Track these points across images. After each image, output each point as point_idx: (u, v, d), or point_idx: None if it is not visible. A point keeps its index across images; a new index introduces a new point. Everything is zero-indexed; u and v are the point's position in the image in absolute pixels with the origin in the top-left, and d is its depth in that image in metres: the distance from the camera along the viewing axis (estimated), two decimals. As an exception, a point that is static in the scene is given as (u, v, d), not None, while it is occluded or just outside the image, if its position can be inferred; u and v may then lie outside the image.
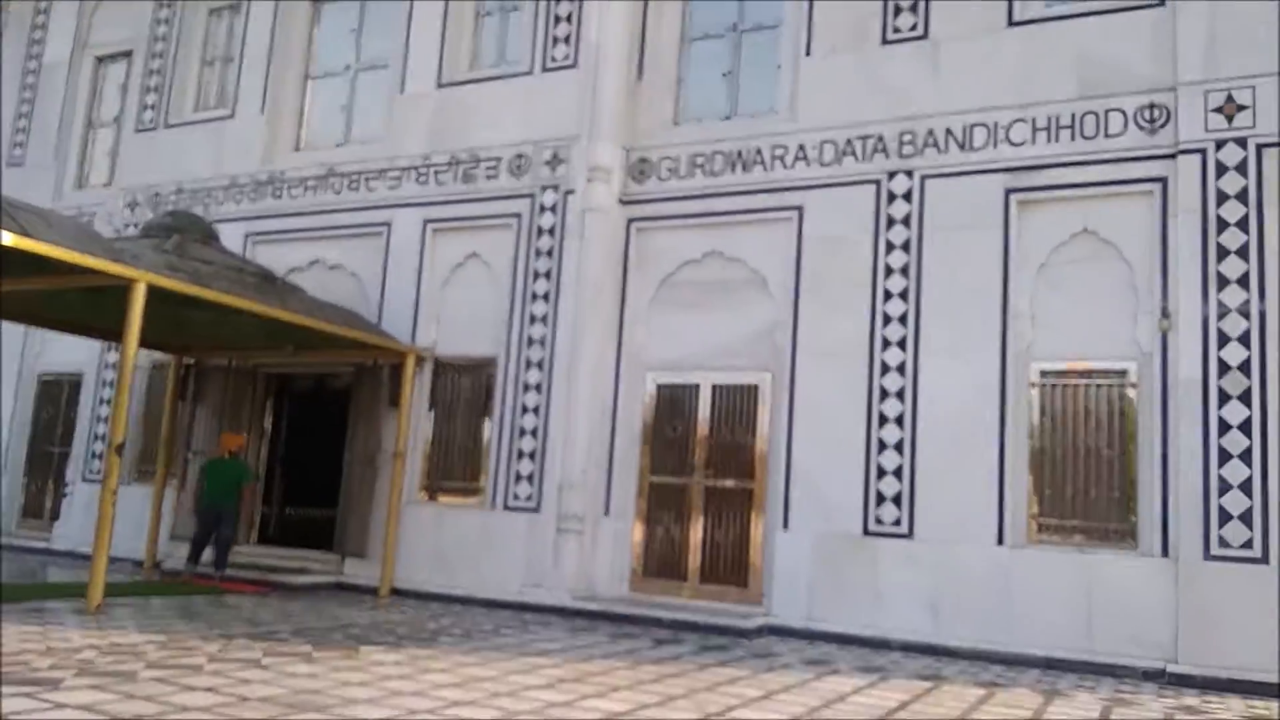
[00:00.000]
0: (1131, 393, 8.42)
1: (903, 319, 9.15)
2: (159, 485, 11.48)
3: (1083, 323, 8.59)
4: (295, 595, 9.82)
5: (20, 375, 14.46)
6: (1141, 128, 8.51)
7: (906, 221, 9.24)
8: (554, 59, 10.78)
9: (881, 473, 9.02)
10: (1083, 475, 8.52)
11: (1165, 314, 8.27)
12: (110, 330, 11.14)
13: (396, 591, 10.29)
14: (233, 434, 10.98)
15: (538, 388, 10.27)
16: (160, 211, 12.27)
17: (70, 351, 13.45)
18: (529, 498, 10.12)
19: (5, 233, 7.10)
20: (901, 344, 9.13)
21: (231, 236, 11.55)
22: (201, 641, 6.54)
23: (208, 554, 10.39)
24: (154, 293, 8.04)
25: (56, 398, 14.18)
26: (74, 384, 13.78)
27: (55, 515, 13.41)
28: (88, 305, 9.67)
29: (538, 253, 10.52)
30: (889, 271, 9.27)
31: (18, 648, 5.84)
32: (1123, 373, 8.46)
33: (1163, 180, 8.38)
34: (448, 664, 6.26)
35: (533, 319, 10.43)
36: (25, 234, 7.25)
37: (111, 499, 7.80)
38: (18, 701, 4.45)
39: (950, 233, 9.05)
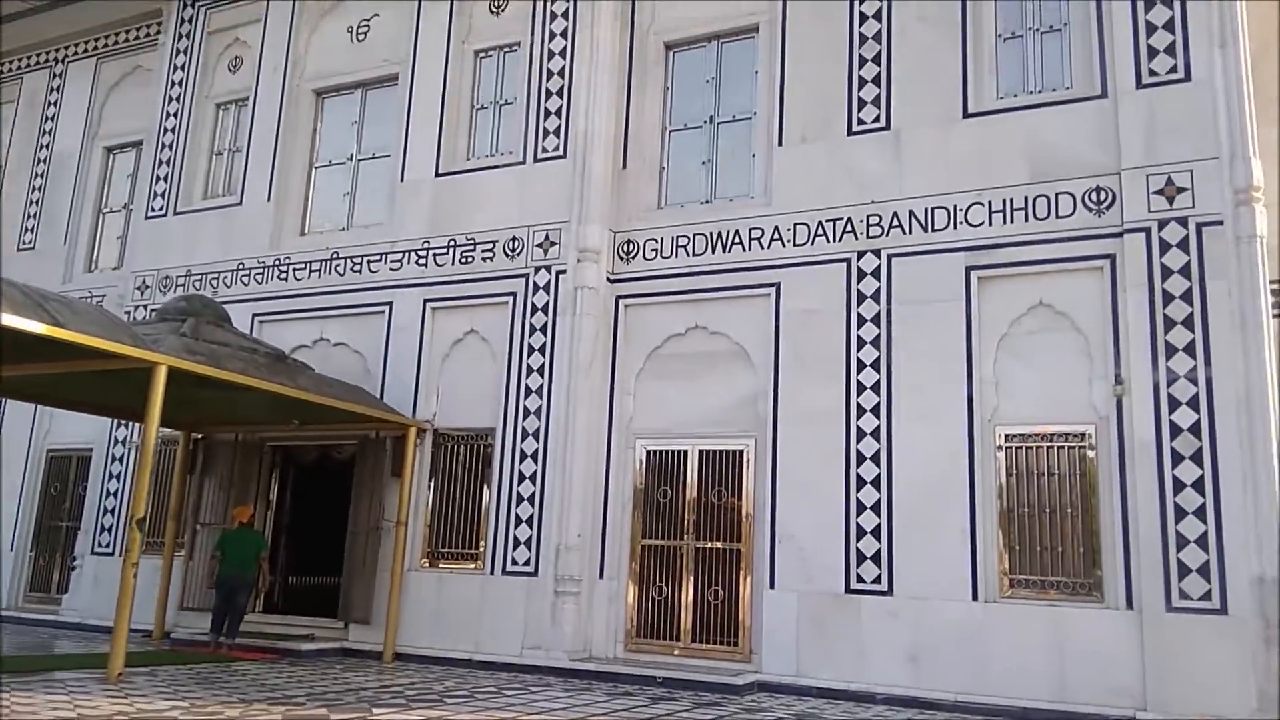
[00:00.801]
0: (1091, 454, 9.01)
1: (875, 387, 9.76)
2: (168, 557, 11.88)
3: (1043, 388, 9.21)
4: (303, 661, 10.21)
5: (29, 451, 14.88)
6: (1089, 209, 9.24)
7: (876, 297, 9.91)
8: (545, 149, 11.53)
9: (861, 533, 9.54)
10: (1049, 532, 9.05)
11: (1119, 380, 8.90)
12: (120, 408, 11.69)
13: (400, 656, 10.68)
14: (243, 506, 11.41)
15: (534, 456, 10.80)
16: (173, 295, 12.89)
17: (79, 428, 13.91)
18: (527, 562, 10.58)
19: (38, 322, 7.66)
20: (875, 410, 9.72)
21: (240, 317, 12.13)
22: (222, 707, 6.94)
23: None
24: (171, 373, 8.60)
25: (65, 473, 14.61)
26: (82, 459, 14.22)
27: (63, 588, 13.73)
28: (100, 385, 10.19)
29: (532, 328, 11.14)
30: (861, 343, 9.90)
31: (51, 716, 6.25)
32: (1082, 435, 9.06)
33: (1111, 256, 9.07)
34: (457, 722, 6.70)
35: (528, 391, 11.00)
36: (57, 323, 7.81)
37: (133, 571, 8.24)
38: (68, 762, 4.88)
39: (917, 306, 9.71)
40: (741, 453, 10.42)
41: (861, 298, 9.99)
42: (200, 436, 12.43)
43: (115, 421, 13.20)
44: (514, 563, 10.66)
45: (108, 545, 13.07)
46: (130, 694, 7.36)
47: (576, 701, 8.06)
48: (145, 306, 13.44)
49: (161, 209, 13.98)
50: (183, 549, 12.20)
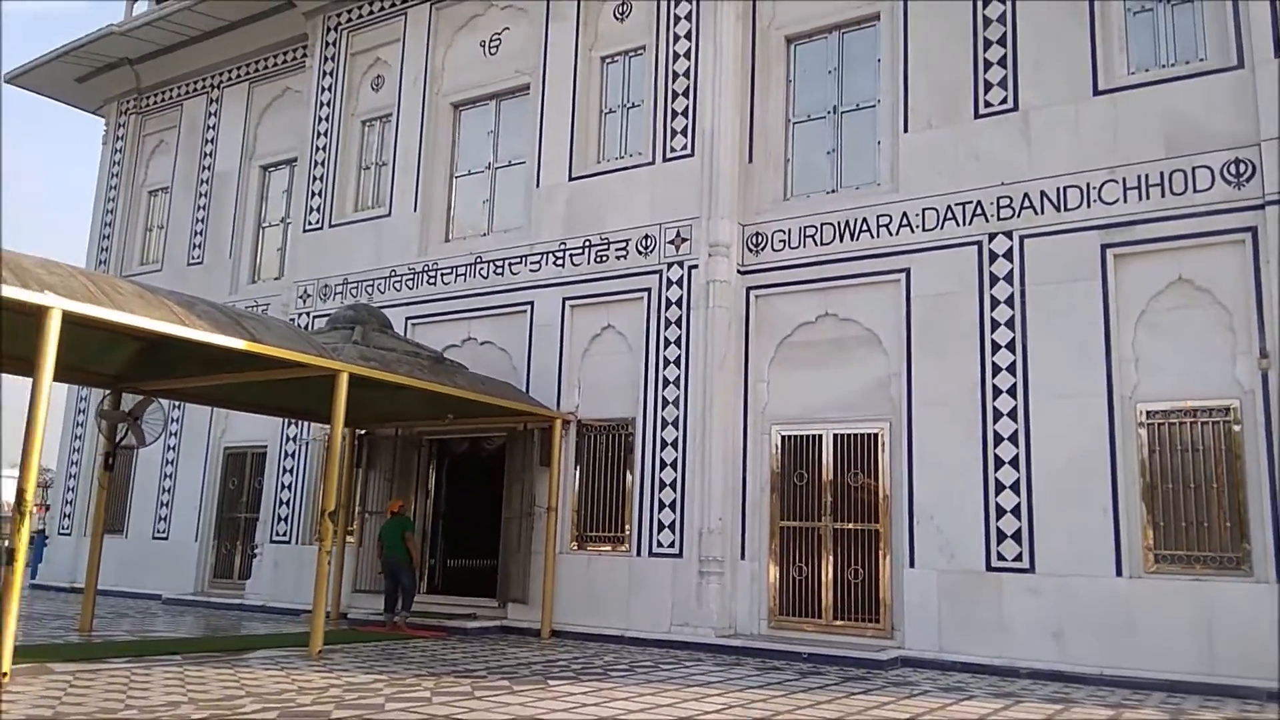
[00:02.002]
0: (1237, 428, 8.97)
1: (1011, 368, 9.90)
2: (340, 543, 12.92)
3: (1184, 364, 9.21)
4: (470, 638, 11.05)
5: (208, 449, 16.31)
6: (1229, 182, 9.15)
7: (1009, 278, 10.03)
8: (673, 149, 12.00)
9: (1000, 512, 9.73)
10: (1194, 508, 9.08)
11: (1264, 353, 8.83)
12: (293, 409, 12.75)
13: (556, 633, 11.43)
14: (395, 500, 12.44)
15: (674, 444, 11.34)
16: (332, 301, 13.96)
17: (253, 427, 15.20)
18: (671, 544, 11.15)
19: (239, 339, 8.59)
20: (1011, 391, 9.88)
21: (395, 320, 13.04)
22: (416, 680, 7.72)
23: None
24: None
25: (241, 468, 15.97)
26: (257, 455, 15.52)
27: (245, 574, 15.06)
28: (278, 390, 11.21)
29: (667, 322, 11.66)
30: (995, 325, 10.05)
31: (276, 688, 7.11)
32: (1226, 410, 9.03)
33: (1253, 229, 8.98)
34: (627, 694, 7.30)
35: (665, 382, 11.54)
36: (254, 339, 8.73)
37: (327, 559, 9.16)
38: (307, 726, 5.65)
39: (1052, 286, 9.80)
40: (876, 435, 10.72)
41: (994, 280, 10.12)
42: (364, 433, 13.45)
43: (286, 420, 14.35)
44: (659, 545, 11.25)
45: (284, 534, 14.28)
46: (333, 668, 8.23)
47: (730, 675, 8.59)
48: (308, 314, 14.56)
49: (317, 222, 15.08)
50: (352, 536, 13.27)
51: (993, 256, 10.16)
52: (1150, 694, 8.28)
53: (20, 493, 6.84)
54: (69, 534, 17.97)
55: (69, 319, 7.26)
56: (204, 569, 16.05)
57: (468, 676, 7.96)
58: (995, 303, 10.07)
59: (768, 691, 7.65)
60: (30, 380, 7.07)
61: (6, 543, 7.02)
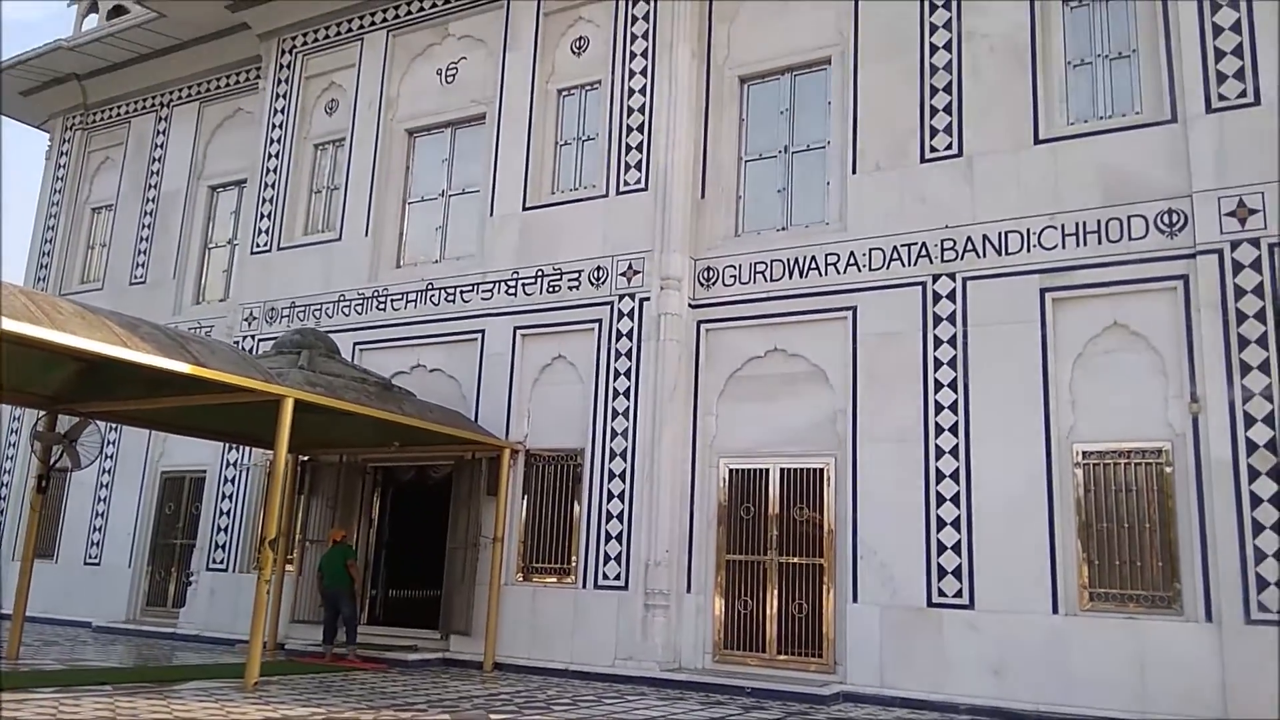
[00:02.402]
0: (1169, 469, 9.24)
1: (953, 407, 10.11)
2: (280, 572, 12.66)
3: (1119, 407, 9.48)
4: (411, 670, 10.89)
5: (144, 473, 15.92)
6: (1162, 231, 9.50)
7: (952, 319, 10.27)
8: (626, 182, 12.11)
9: (941, 548, 9.89)
10: (1128, 547, 9.31)
11: (1194, 398, 9.13)
12: (235, 433, 12.52)
13: (499, 666, 11.31)
14: (336, 529, 12.31)
15: (622, 475, 11.35)
16: (279, 325, 13.79)
17: (192, 451, 14.89)
18: (617, 576, 11.13)
19: (183, 363, 8.45)
20: (953, 429, 10.07)
21: (343, 345, 12.89)
22: (355, 713, 7.59)
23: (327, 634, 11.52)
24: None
25: (178, 493, 15.61)
26: (195, 479, 15.19)
27: (179, 602, 14.67)
28: (221, 414, 11.04)
29: (617, 353, 11.70)
30: (938, 364, 10.27)
31: None
32: (1159, 451, 9.30)
33: (1184, 277, 9.32)
34: (570, 728, 7.25)
35: (615, 413, 11.56)
36: (199, 363, 8.59)
37: (266, 588, 8.98)
38: (241, 760, 5.52)
39: (992, 328, 10.05)
40: (822, 470, 10.84)
41: (937, 320, 10.35)
42: (307, 459, 13.24)
43: (227, 445, 14.08)
44: (605, 577, 11.21)
45: (221, 562, 13.96)
46: (269, 701, 8.06)
47: (673, 710, 8.57)
48: (253, 337, 14.35)
49: (265, 244, 14.90)
50: (292, 564, 13.02)
51: (936, 297, 10.40)
52: (1084, 730, 8.43)
53: (-53, 517, 6.63)
54: (-6, 559, 17.37)
55: (6, 338, 7.09)
56: (137, 596, 15.62)
57: (408, 710, 7.85)
58: (939, 342, 10.29)
59: (710, 726, 7.66)
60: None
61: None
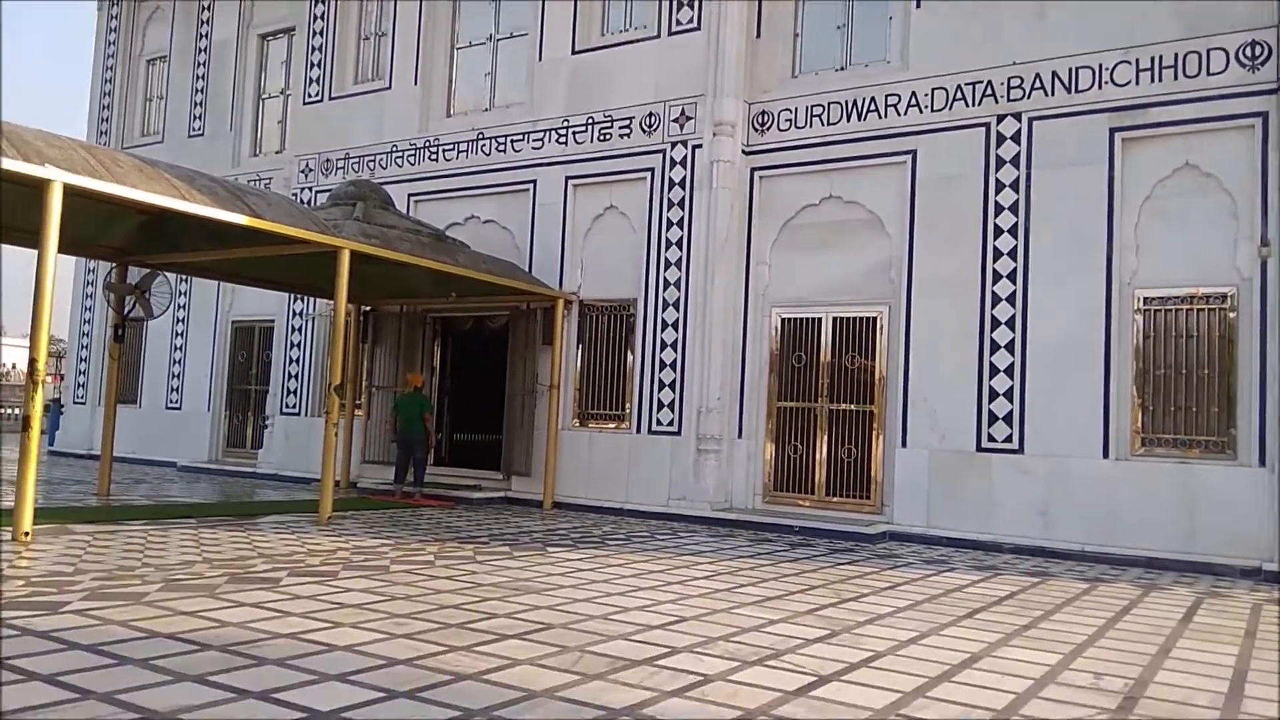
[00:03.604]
0: (1232, 315, 9.04)
1: (1012, 253, 9.91)
2: (349, 417, 13.22)
3: (1185, 251, 9.21)
4: (475, 508, 11.45)
5: (216, 323, 16.52)
6: (1243, 65, 8.94)
7: (1015, 161, 9.93)
8: (679, 22, 11.69)
9: (994, 394, 9.91)
10: (1184, 393, 9.23)
11: (1265, 241, 8.82)
12: (298, 284, 12.84)
13: (557, 505, 11.82)
14: (415, 374, 12.58)
15: (674, 325, 11.46)
16: (335, 177, 13.88)
17: (259, 302, 15.36)
18: (670, 423, 11.41)
19: (240, 215, 8.62)
20: (1011, 276, 9.91)
21: (397, 197, 13.00)
22: (421, 545, 8.06)
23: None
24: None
25: (249, 342, 16.21)
26: (265, 329, 15.73)
27: (257, 444, 15.47)
28: (282, 265, 11.30)
29: (670, 203, 11.61)
30: (999, 209, 10.00)
31: (288, 550, 7.44)
32: (1224, 297, 9.07)
33: (1264, 114, 8.84)
34: (622, 560, 7.63)
35: (668, 263, 11.57)
36: (256, 215, 8.75)
37: (334, 431, 9.41)
38: (313, 587, 5.93)
39: (1058, 170, 9.71)
40: (875, 319, 10.81)
41: (1000, 163, 10.02)
42: (369, 309, 13.58)
43: (291, 296, 14.48)
44: (658, 423, 11.50)
45: (294, 407, 14.60)
46: (343, 533, 8.59)
47: (722, 546, 8.93)
48: (310, 189, 14.49)
49: (317, 94, 14.84)
50: (360, 410, 13.57)
51: (1000, 139, 10.03)
52: (1128, 569, 8.60)
53: (32, 362, 7.02)
54: (84, 403, 18.41)
55: (70, 192, 7.29)
56: (217, 438, 16.48)
57: (471, 542, 8.30)
58: (1000, 186, 10.00)
59: (757, 560, 7.98)
60: (35, 252, 7.15)
61: (21, 410, 7.24)
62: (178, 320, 16.84)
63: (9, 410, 33.91)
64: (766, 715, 3.49)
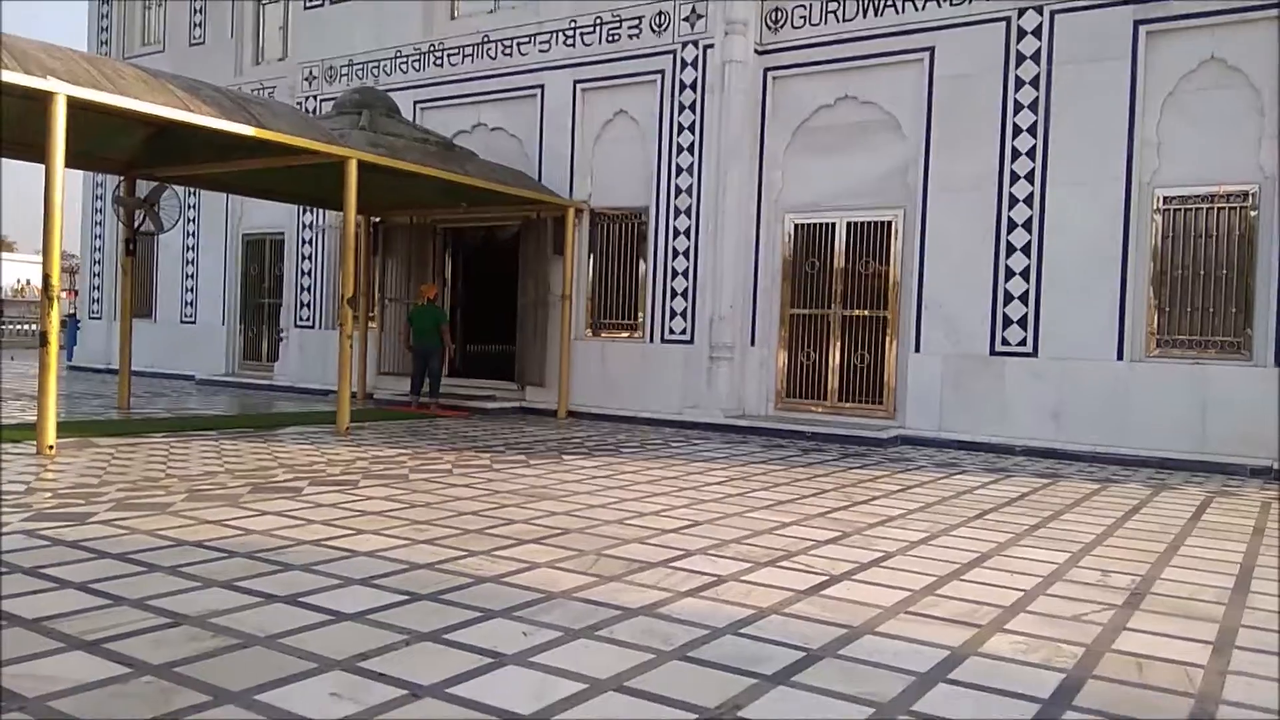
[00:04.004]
0: (1253, 214, 8.89)
1: (1030, 153, 9.71)
2: (363, 329, 13.28)
3: (1207, 148, 9.01)
4: (490, 418, 11.58)
5: (227, 236, 16.48)
6: (1278, -50, 8.59)
7: (1036, 57, 9.65)
8: (689, -87, 11.28)
9: (1009, 298, 9.85)
10: (1202, 294, 9.15)
11: (1291, 137, 8.61)
12: (307, 196, 12.75)
13: (572, 413, 11.93)
14: (429, 285, 12.55)
15: (686, 233, 11.37)
16: (339, 85, 13.63)
17: (269, 214, 15.28)
18: (683, 331, 11.41)
19: (246, 125, 8.51)
20: (1029, 177, 9.74)
21: (402, 105, 12.77)
22: (439, 454, 8.18)
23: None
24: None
25: (261, 255, 16.19)
26: (275, 242, 15.69)
27: (273, 356, 15.60)
28: (290, 176, 11.17)
29: (681, 106, 11.38)
30: (1018, 107, 9.77)
31: (308, 461, 7.57)
32: (1245, 195, 8.91)
33: (1296, 3, 8.53)
34: (636, 467, 7.73)
35: (679, 169, 11.41)
36: (262, 125, 8.64)
37: (349, 344, 9.46)
38: (335, 496, 6.04)
39: (1079, 66, 9.44)
40: (890, 223, 10.68)
41: (1020, 59, 9.74)
42: (379, 221, 13.50)
43: (301, 208, 14.39)
44: (671, 332, 11.51)
45: (308, 319, 14.65)
46: (362, 443, 8.71)
47: (735, 451, 9.03)
48: (314, 97, 14.26)
49: (318, -1, 14.48)
50: (374, 322, 13.62)
51: (1020, 33, 9.73)
52: (1139, 470, 8.66)
53: (46, 278, 7.04)
54: (99, 318, 18.54)
55: (74, 105, 7.19)
56: (234, 351, 16.62)
57: (487, 451, 8.42)
58: (1020, 83, 9.75)
59: (769, 465, 8.08)
60: (43, 167, 7.10)
61: (38, 326, 7.30)
62: (188, 234, 16.81)
63: (23, 327, 34.22)
64: (779, 613, 3.58)
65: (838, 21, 10.79)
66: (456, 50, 13.09)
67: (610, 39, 11.84)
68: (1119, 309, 9.32)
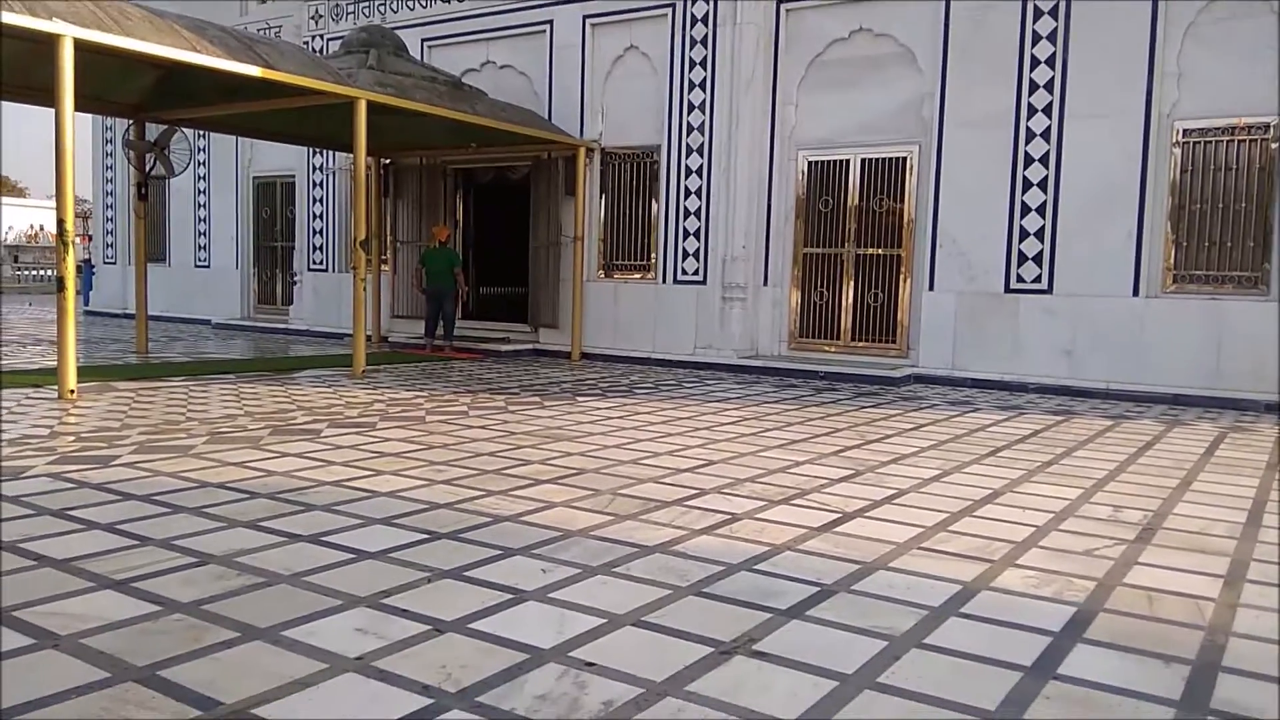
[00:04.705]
0: (1274, 146, 8.74)
1: (1049, 85, 9.54)
2: (376, 272, 13.29)
3: (1228, 80, 8.82)
4: (504, 360, 11.63)
5: (237, 179, 16.42)
6: None
7: (1055, -13, 9.42)
8: None
9: (1024, 234, 9.76)
10: (1220, 228, 9.05)
11: (1317, 67, 8.42)
12: (316, 137, 12.65)
13: (585, 355, 11.97)
14: (441, 226, 12.49)
15: (699, 171, 11.26)
16: (345, 23, 13.44)
17: (279, 157, 15.20)
18: (696, 271, 11.38)
19: (253, 66, 8.43)
20: (1047, 110, 9.58)
21: (410, 42, 12.60)
22: (454, 396, 8.25)
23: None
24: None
25: (271, 198, 16.14)
26: (286, 184, 15.63)
27: (287, 300, 15.65)
28: (299, 118, 11.12)
29: (693, 41, 11.19)
30: (1036, 38, 9.57)
31: (326, 403, 7.64)
32: (1265, 127, 8.75)
33: (1327, -74, 8.27)
34: (650, 407, 7.78)
35: (691, 107, 11.26)
36: (269, 66, 8.55)
37: (363, 286, 9.47)
38: (353, 437, 6.11)
39: (1100, -4, 9.22)
40: (905, 159, 10.55)
41: (1039, -11, 9.52)
42: (389, 162, 13.41)
43: (311, 150, 14.30)
44: (684, 272, 11.48)
45: (321, 263, 14.67)
46: (378, 386, 8.79)
47: (748, 391, 9.07)
48: (321, 36, 14.08)
49: (323, -65, 14.21)
50: (386, 264, 13.62)
51: (1040, -38, 9.49)
52: (1153, 406, 8.66)
53: (60, 223, 7.06)
54: (114, 263, 18.60)
55: (81, 47, 7.13)
56: (248, 295, 16.68)
57: (502, 393, 8.48)
58: (1039, 13, 9.53)
59: (782, 405, 8.12)
60: (52, 111, 7.07)
61: (54, 272, 7.33)
62: (199, 178, 16.75)
63: (39, 272, 34.38)
64: (792, 550, 3.63)
65: (853, -49, 10.54)
66: (464, -15, 12.88)
67: (620, -28, 11.62)
68: (1136, 244, 9.23)
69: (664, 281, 11.63)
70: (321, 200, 14.55)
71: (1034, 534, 3.98)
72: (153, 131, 11.12)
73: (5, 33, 6.85)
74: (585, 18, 11.92)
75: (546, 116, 12.16)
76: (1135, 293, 9.24)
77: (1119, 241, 9.28)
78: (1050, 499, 4.68)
